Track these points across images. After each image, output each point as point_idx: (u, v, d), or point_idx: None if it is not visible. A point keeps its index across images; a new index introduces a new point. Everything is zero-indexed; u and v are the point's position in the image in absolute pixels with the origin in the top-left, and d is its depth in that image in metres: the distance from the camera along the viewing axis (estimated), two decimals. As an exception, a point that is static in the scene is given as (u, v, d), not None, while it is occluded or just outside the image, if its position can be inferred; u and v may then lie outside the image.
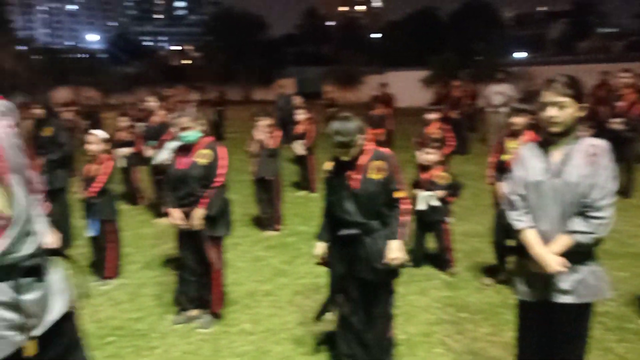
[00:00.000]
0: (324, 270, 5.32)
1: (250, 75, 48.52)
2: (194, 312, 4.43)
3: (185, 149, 4.26)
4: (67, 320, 2.08)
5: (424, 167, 5.53)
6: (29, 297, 1.89)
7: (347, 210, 3.35)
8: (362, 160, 3.35)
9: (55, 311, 2.00)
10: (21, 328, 1.86)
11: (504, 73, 14.43)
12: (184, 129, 4.18)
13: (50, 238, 2.12)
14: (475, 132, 13.70)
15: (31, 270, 1.90)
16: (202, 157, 4.19)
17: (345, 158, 3.33)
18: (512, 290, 2.98)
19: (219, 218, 4.25)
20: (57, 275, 2.06)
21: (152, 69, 51.71)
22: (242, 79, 49.26)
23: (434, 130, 7.20)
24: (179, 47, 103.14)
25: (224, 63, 48.42)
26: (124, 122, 8.52)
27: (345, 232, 3.39)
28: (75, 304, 2.13)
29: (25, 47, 48.61)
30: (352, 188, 3.33)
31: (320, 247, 3.53)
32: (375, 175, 3.32)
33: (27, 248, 1.87)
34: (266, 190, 7.02)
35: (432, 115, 7.35)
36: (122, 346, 4.04)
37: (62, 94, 42.69)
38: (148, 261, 6.02)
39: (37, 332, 1.93)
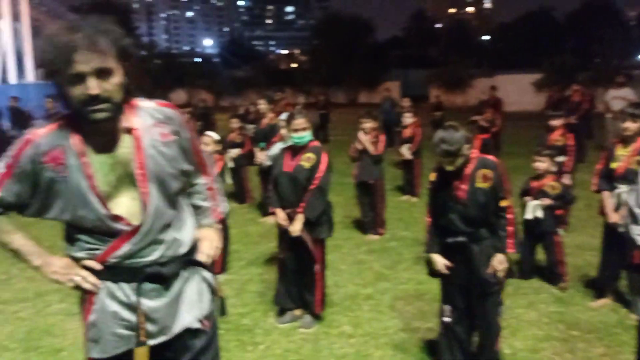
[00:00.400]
0: (426, 277, 5.26)
1: (356, 78, 48.77)
2: (296, 312, 4.52)
3: (293, 151, 4.35)
4: (195, 337, 2.02)
5: (537, 176, 5.30)
6: (150, 303, 1.89)
7: (454, 220, 3.30)
8: (468, 169, 3.28)
9: (180, 324, 1.96)
10: (137, 331, 1.87)
11: (624, 77, 13.44)
12: (299, 130, 4.25)
13: (203, 248, 2.07)
14: (592, 139, 12.89)
15: (157, 276, 1.89)
16: (306, 160, 4.26)
17: (450, 168, 3.26)
18: (631, 310, 2.78)
19: (320, 220, 4.29)
20: (192, 287, 2.01)
21: (261, 72, 53.32)
22: (347, 82, 49.62)
23: (557, 137, 6.81)
24: (287, 51, 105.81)
25: (330, 66, 49.00)
26: (235, 124, 8.86)
27: (452, 239, 3.34)
28: (209, 321, 2.07)
29: (146, 52, 51.91)
30: (458, 198, 3.27)
31: (439, 260, 3.43)
32: (481, 184, 3.24)
33: (153, 255, 1.87)
34: (368, 193, 7.02)
35: (556, 122, 6.94)
36: (228, 339, 4.20)
37: (178, 96, 45.23)
38: (254, 258, 6.23)
39: (154, 340, 1.92)
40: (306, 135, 4.28)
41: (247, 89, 49.61)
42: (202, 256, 2.04)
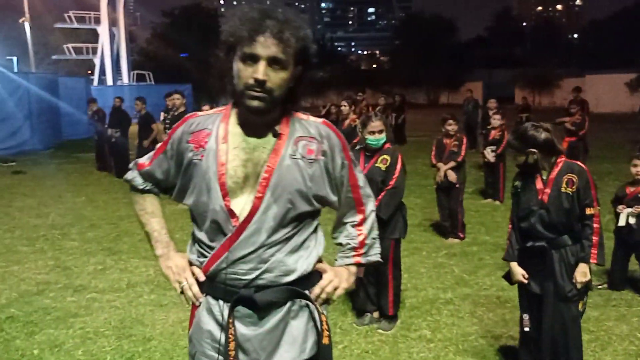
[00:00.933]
0: (508, 284, 5.12)
1: (437, 78, 48.08)
2: (375, 314, 4.52)
3: (369, 153, 4.38)
4: None
5: (633, 181, 5.02)
6: (244, 329, 1.73)
7: (535, 225, 3.21)
8: (553, 173, 3.19)
9: None
10: (226, 357, 1.70)
11: None
12: (375, 132, 4.29)
13: (322, 283, 1.83)
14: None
15: (250, 301, 1.72)
16: (382, 162, 4.29)
17: (516, 162, 3.25)
18: None
19: (394, 220, 4.30)
20: (298, 325, 1.78)
21: (342, 73, 53.57)
22: (428, 83, 48.98)
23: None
24: (368, 52, 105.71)
25: (411, 67, 48.55)
26: None
27: (531, 244, 3.25)
28: None
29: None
30: (541, 202, 3.18)
31: (517, 270, 3.33)
32: (566, 189, 3.13)
33: (252, 273, 1.71)
34: (448, 197, 6.92)
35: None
36: (307, 337, 4.27)
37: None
38: (333, 258, 6.28)
39: None
40: (382, 138, 4.30)
41: (327, 90, 50.13)
42: (315, 290, 1.79)
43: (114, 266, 6.00)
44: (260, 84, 1.61)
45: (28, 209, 8.99)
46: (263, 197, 1.69)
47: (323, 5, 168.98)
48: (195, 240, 1.81)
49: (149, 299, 5.04)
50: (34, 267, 6.01)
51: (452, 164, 6.77)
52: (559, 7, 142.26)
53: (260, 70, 1.61)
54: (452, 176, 6.74)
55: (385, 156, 4.32)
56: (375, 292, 4.50)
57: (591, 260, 3.15)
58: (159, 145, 1.90)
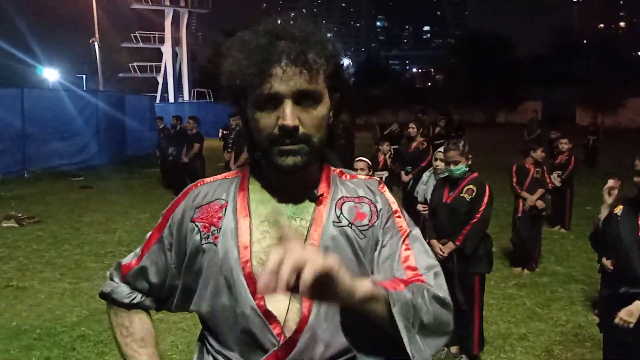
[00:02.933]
0: (586, 320, 4.88)
1: (494, 97, 47.19)
2: (453, 349, 4.37)
3: (452, 182, 4.28)
4: None
5: None
6: None
7: (633, 265, 2.87)
8: None
9: None
10: None
11: None
12: (451, 162, 4.20)
13: None
14: None
15: None
16: (467, 192, 4.17)
17: None
18: None
19: (479, 254, 4.16)
20: None
21: (396, 91, 53.43)
22: (484, 101, 48.14)
23: None
24: (423, 70, 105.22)
25: (466, 85, 47.89)
26: (386, 147, 8.71)
27: (625, 289, 2.90)
28: None
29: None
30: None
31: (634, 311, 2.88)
32: None
33: None
34: (531, 226, 6.65)
35: None
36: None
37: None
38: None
39: None
40: (462, 167, 4.19)
41: (381, 108, 50.03)
42: None
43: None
44: (290, 133, 1.17)
45: (96, 225, 9.25)
46: None
47: (378, 24, 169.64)
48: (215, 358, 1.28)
49: (215, 322, 5.04)
50: (103, 284, 6.12)
51: (541, 192, 6.52)
52: (621, 24, 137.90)
53: (288, 114, 1.16)
54: (542, 204, 6.51)
55: (471, 186, 4.22)
56: (457, 329, 4.34)
57: None
58: (149, 234, 1.37)
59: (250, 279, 1.21)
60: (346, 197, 1.31)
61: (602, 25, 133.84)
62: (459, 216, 4.16)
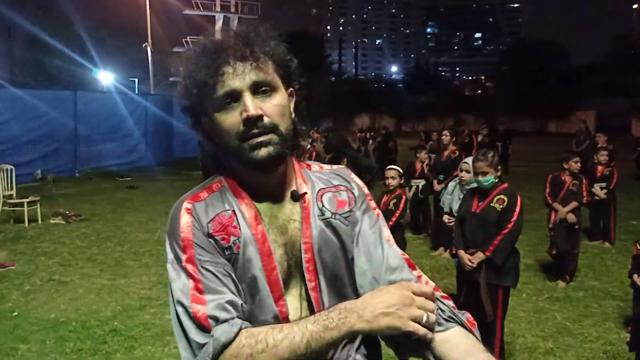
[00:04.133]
0: (618, 337, 4.75)
1: (545, 106, 46.12)
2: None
3: (482, 192, 4.27)
4: None
5: None
6: None
7: None
8: None
9: None
10: None
11: None
12: (479, 173, 4.19)
13: None
14: None
15: None
16: (498, 202, 4.15)
17: None
18: None
19: (506, 266, 4.14)
20: None
21: (444, 98, 52.93)
22: (535, 110, 47.09)
23: None
24: (472, 77, 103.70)
25: (517, 93, 46.99)
26: (423, 155, 8.68)
27: None
28: None
29: (335, 78, 54.54)
30: None
31: None
32: None
33: None
34: (567, 238, 6.50)
35: None
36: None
37: (362, 120, 46.73)
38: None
39: None
40: (490, 178, 4.17)
41: (429, 115, 49.63)
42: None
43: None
44: (255, 122, 1.19)
45: (138, 224, 9.56)
46: (319, 287, 1.27)
47: (428, 30, 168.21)
48: None
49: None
50: (139, 281, 6.35)
51: (574, 204, 6.37)
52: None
53: (249, 105, 1.18)
54: (573, 218, 6.36)
55: (502, 196, 4.20)
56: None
57: None
58: (186, 262, 1.19)
59: (275, 286, 1.23)
60: (323, 188, 1.34)
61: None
62: (489, 226, 4.15)
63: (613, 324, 5.21)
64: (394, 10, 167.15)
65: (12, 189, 9.91)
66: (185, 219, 1.22)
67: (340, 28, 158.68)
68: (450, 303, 1.25)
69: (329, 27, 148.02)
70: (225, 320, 1.14)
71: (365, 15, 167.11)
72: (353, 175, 1.41)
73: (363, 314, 1.12)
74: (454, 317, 1.22)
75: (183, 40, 38.33)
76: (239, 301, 1.18)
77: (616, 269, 7.01)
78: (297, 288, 1.28)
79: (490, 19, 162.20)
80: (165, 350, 4.53)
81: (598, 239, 8.30)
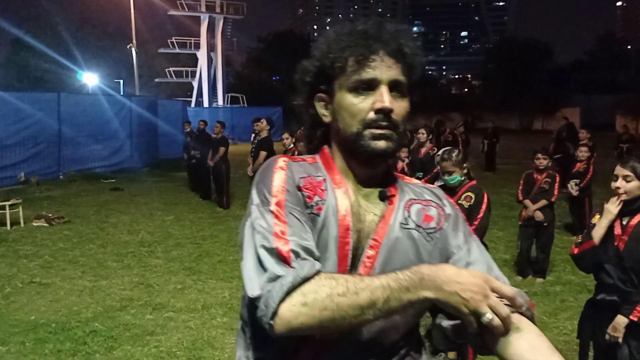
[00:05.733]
0: (591, 330, 4.81)
1: (531, 103, 46.47)
2: (450, 355, 4.40)
3: (450, 190, 4.33)
4: None
5: None
6: None
7: (609, 274, 2.97)
8: (635, 219, 2.94)
9: None
10: None
11: None
12: (445, 172, 4.27)
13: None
14: None
15: None
16: (465, 199, 4.23)
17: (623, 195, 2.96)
18: None
19: None
20: None
21: (431, 97, 53.13)
22: (521, 108, 47.43)
23: None
24: (459, 76, 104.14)
25: (503, 91, 47.30)
26: (403, 153, 8.72)
27: (602, 296, 3.03)
28: None
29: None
30: (617, 250, 2.94)
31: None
32: None
33: None
34: (537, 235, 6.61)
35: None
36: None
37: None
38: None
39: None
40: (456, 176, 4.25)
41: (416, 113, 49.70)
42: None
43: (193, 286, 6.23)
44: (386, 115, 1.22)
45: (121, 225, 9.55)
46: None
47: (415, 29, 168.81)
48: (263, 344, 1.26)
49: (221, 321, 5.18)
50: (120, 282, 6.36)
51: (542, 202, 6.47)
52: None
53: (386, 97, 1.22)
54: (539, 216, 6.46)
55: (469, 193, 4.27)
56: (454, 333, 4.38)
57: (631, 317, 2.85)
58: (275, 205, 1.20)
59: (342, 261, 1.22)
60: (414, 199, 1.33)
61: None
62: None
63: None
64: (380, 10, 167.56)
65: (-6, 192, 9.86)
66: (279, 170, 1.25)
67: (327, 27, 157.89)
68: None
69: (315, 27, 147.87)
70: (307, 259, 1.12)
71: (352, 15, 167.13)
72: (447, 196, 1.42)
73: (442, 286, 1.09)
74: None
75: (168, 41, 38.29)
76: (317, 254, 1.16)
77: (594, 263, 7.11)
78: None
79: (476, 18, 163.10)
80: (145, 350, 4.55)
81: (578, 234, 8.42)
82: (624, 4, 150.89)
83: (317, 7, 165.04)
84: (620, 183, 2.91)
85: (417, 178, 6.27)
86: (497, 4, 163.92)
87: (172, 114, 23.59)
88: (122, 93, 29.46)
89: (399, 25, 1.30)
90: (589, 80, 51.81)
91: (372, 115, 1.22)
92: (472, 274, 1.12)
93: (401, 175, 1.41)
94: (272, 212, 1.18)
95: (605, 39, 66.54)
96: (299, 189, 1.24)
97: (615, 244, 2.96)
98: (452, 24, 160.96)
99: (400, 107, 1.24)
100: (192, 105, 35.83)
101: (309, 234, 1.18)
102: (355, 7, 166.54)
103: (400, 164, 8.45)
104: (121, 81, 32.93)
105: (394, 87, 1.24)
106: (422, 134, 7.83)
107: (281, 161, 1.28)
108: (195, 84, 38.77)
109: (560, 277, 6.58)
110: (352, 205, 1.26)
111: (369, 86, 1.23)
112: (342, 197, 1.25)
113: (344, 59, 1.24)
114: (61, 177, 15.66)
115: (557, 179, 6.63)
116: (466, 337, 1.20)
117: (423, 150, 7.73)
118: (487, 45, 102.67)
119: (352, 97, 1.24)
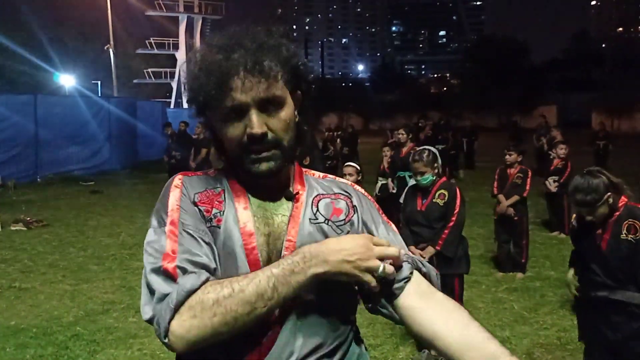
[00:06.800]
0: (571, 324, 4.92)
1: (508, 102, 47.01)
2: (433, 352, 4.45)
3: (423, 190, 4.41)
4: None
5: None
6: None
7: (596, 272, 3.04)
8: (614, 217, 3.01)
9: None
10: None
11: None
12: (417, 172, 4.34)
13: None
14: None
15: None
16: (439, 197, 4.31)
17: (589, 218, 3.00)
18: None
19: (457, 255, 4.30)
20: None
21: (411, 96, 53.47)
22: (499, 106, 47.95)
23: None
24: (438, 75, 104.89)
25: (481, 89, 47.77)
26: (387, 152, 8.78)
27: (593, 293, 3.09)
28: None
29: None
30: (600, 249, 3.01)
31: None
32: (627, 237, 2.93)
33: None
34: (510, 230, 6.71)
35: None
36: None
37: (330, 119, 46.82)
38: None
39: None
40: (428, 176, 4.32)
41: (396, 113, 50.06)
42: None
43: (175, 288, 6.18)
44: (259, 140, 1.20)
45: (102, 228, 9.45)
46: None
47: (394, 28, 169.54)
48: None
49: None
50: (102, 286, 6.30)
51: (514, 198, 6.57)
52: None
53: (255, 122, 1.19)
54: (511, 211, 6.56)
55: (442, 191, 4.35)
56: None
57: None
58: (170, 224, 1.21)
59: (254, 266, 1.22)
60: (322, 194, 1.35)
61: (620, 29, 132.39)
62: (435, 222, 4.30)
63: (567, 311, 5.38)
64: (359, 9, 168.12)
65: (-30, 196, 9.69)
66: (174, 189, 1.27)
67: (306, 27, 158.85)
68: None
69: (294, 27, 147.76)
70: (193, 272, 1.13)
71: (330, 15, 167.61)
72: (357, 187, 1.44)
73: (327, 259, 1.14)
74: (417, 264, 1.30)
75: (146, 41, 37.95)
76: (213, 265, 1.18)
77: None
78: None
79: (454, 17, 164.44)
80: (128, 354, 4.52)
81: (556, 230, 8.56)
82: (598, 3, 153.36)
83: (295, 7, 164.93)
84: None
85: (393, 181, 6.35)
86: (475, 3, 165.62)
87: (152, 116, 23.39)
88: (99, 94, 29.14)
89: (261, 34, 1.25)
90: (565, 78, 52.59)
91: (246, 139, 1.21)
92: (353, 238, 1.19)
93: (311, 172, 1.42)
94: (165, 232, 1.20)
95: (580, 37, 67.59)
96: (195, 204, 1.25)
97: (597, 241, 3.03)
98: (430, 23, 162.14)
99: (278, 122, 1.22)
100: (172, 106, 35.61)
101: (204, 249, 1.19)
102: (335, 6, 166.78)
103: (385, 160, 8.50)
104: (99, 82, 32.59)
105: (264, 104, 1.20)
106: (402, 135, 7.88)
107: (177, 180, 1.30)
108: (174, 85, 38.55)
109: (540, 273, 6.67)
110: (255, 211, 1.28)
111: (240, 112, 1.20)
112: (241, 204, 1.27)
113: (207, 88, 1.20)
114: (39, 180, 15.44)
115: (530, 174, 6.74)
116: (374, 299, 1.28)
117: (404, 150, 7.78)
118: (465, 44, 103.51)
119: (225, 127, 1.23)
